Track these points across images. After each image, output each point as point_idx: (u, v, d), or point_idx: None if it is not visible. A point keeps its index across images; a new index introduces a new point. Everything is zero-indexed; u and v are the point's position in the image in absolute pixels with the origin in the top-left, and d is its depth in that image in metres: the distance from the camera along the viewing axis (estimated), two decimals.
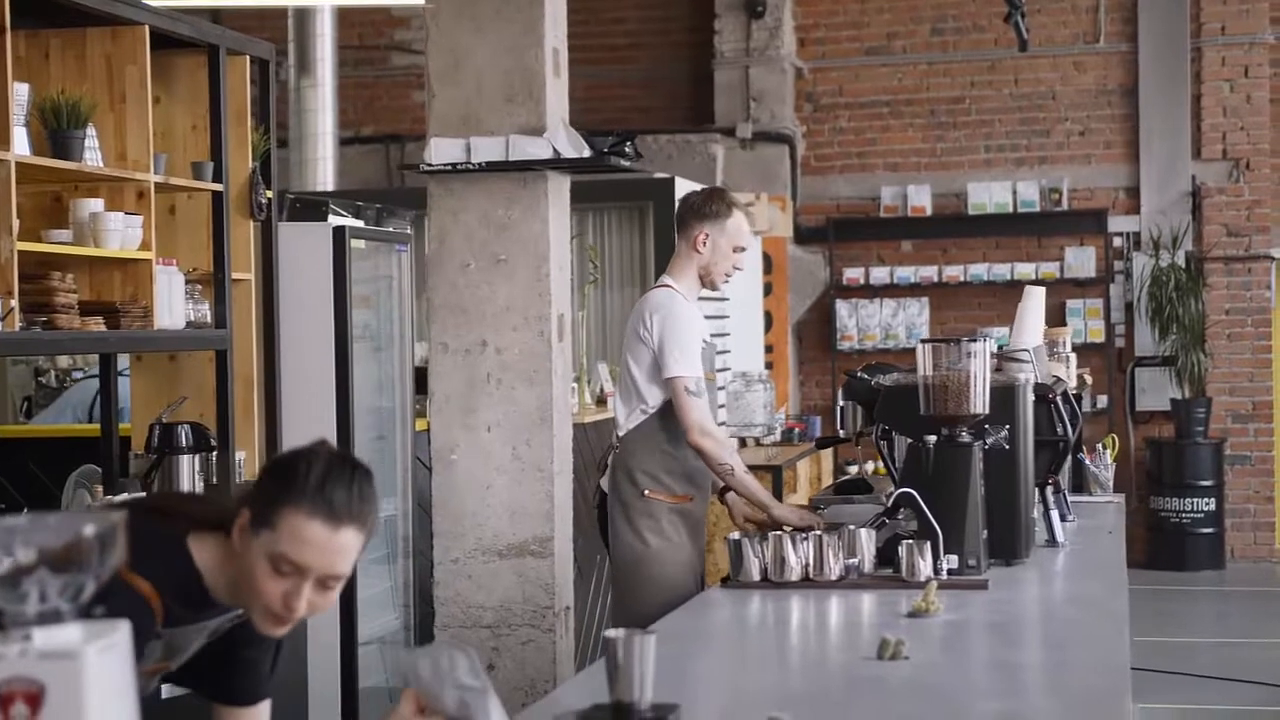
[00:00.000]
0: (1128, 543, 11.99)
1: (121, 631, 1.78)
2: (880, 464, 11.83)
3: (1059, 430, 5.00)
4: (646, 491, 5.22)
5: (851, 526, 4.36)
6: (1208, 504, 12.34)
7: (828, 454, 11.43)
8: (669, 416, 5.18)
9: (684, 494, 5.26)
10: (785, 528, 4.74)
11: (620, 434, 5.32)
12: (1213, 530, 12.38)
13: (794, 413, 12.48)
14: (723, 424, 9.83)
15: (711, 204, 5.35)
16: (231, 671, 2.90)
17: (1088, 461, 6.40)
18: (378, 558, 6.80)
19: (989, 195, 12.86)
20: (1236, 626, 10.60)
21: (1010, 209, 12.83)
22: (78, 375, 8.32)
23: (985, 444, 4.45)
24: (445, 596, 5.73)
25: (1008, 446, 4.52)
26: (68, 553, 1.76)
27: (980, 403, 4.38)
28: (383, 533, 6.90)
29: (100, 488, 5.50)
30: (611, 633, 2.73)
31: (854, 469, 12.00)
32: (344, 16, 12.58)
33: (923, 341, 4.47)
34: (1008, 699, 3.06)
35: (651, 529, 5.22)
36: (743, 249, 5.38)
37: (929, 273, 12.91)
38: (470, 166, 5.78)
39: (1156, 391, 12.67)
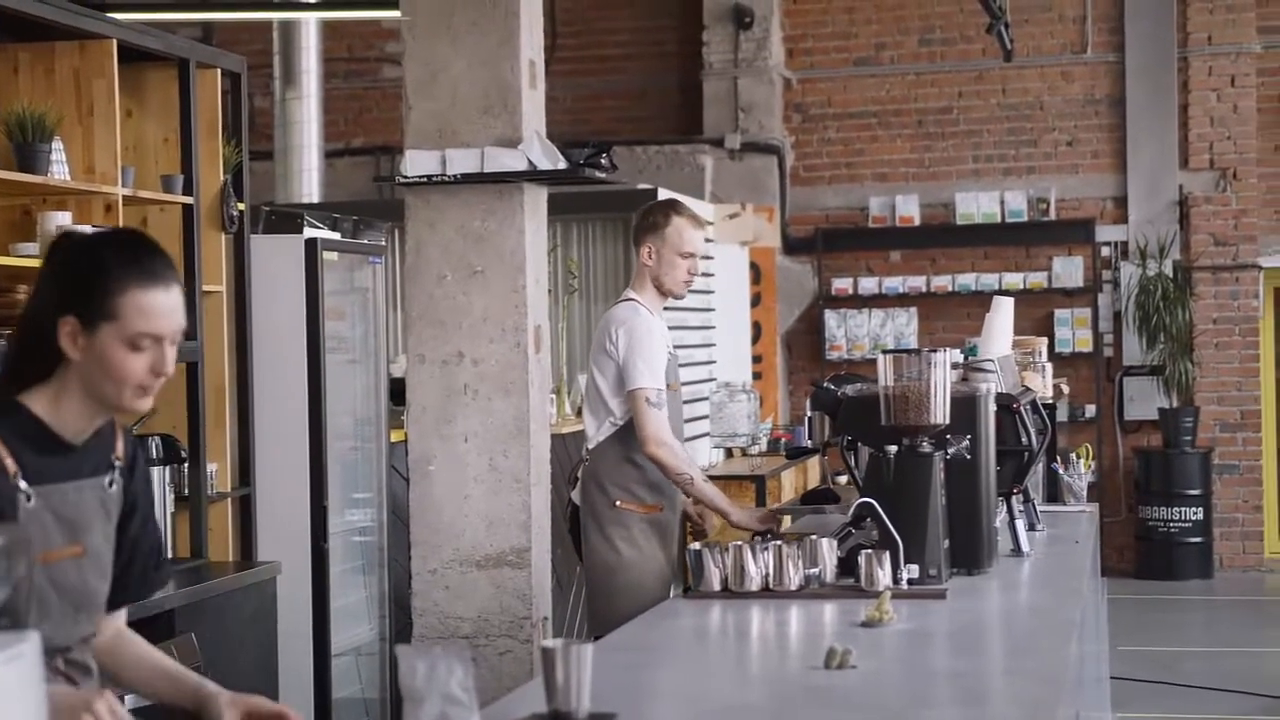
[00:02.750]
0: (1115, 552, 12.14)
1: (30, 643, 1.80)
2: None
3: (1024, 440, 5.01)
4: (618, 502, 5.31)
5: (813, 536, 4.37)
6: (1196, 513, 12.34)
7: (814, 464, 11.44)
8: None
9: (654, 504, 5.33)
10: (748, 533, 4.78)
11: (590, 446, 5.41)
12: (1201, 539, 12.38)
13: (783, 423, 12.48)
14: (705, 434, 9.88)
15: (650, 216, 5.44)
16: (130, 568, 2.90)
17: (1061, 471, 6.40)
18: (353, 568, 6.81)
19: (977, 205, 12.87)
20: (1224, 636, 10.60)
21: (998, 219, 12.85)
22: None
23: (946, 454, 4.46)
24: (422, 607, 5.74)
25: (969, 456, 4.53)
26: None
27: (941, 413, 4.39)
28: (359, 543, 6.91)
29: None
30: (548, 643, 2.75)
31: (843, 479, 11.98)
32: (334, 29, 12.61)
33: (884, 352, 4.49)
34: (945, 708, 3.08)
35: (624, 538, 5.28)
36: (690, 254, 5.41)
37: (917, 283, 12.92)
38: (446, 178, 5.80)
39: (1144, 401, 12.67)
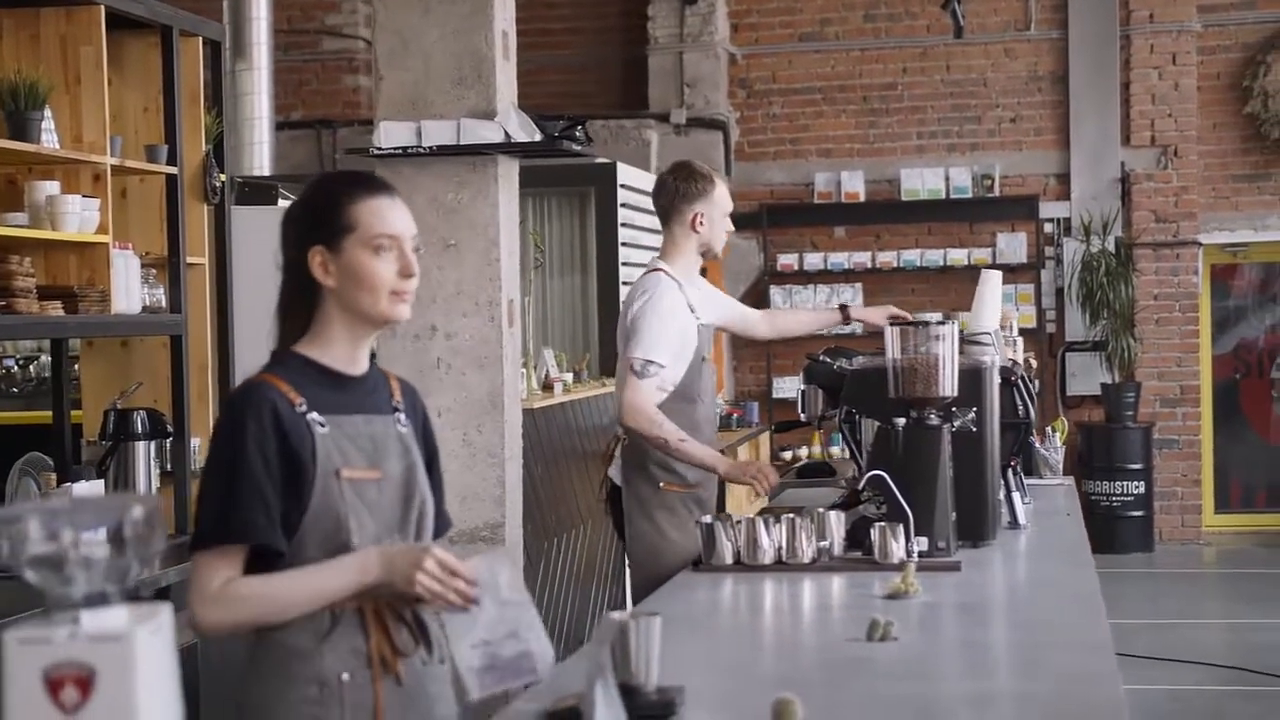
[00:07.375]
0: None
1: (165, 614, 1.76)
2: (820, 448, 11.89)
3: (1021, 412, 5.03)
4: (662, 484, 5.16)
5: (821, 509, 4.36)
6: (1137, 487, 12.48)
7: (764, 439, 11.48)
8: (675, 406, 5.12)
9: (696, 481, 5.19)
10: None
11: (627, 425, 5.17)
12: (1142, 513, 12.53)
13: (728, 398, 12.50)
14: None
15: (695, 183, 5.34)
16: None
17: (1037, 445, 6.45)
18: None
19: (922, 181, 12.93)
20: (1166, 608, 10.73)
21: (943, 195, 12.90)
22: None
23: (953, 426, 4.46)
24: None
25: (975, 429, 4.53)
26: (114, 535, 1.74)
27: (949, 385, 4.39)
28: None
29: (53, 475, 5.41)
30: (618, 615, 2.72)
31: (804, 452, 12.03)
32: (275, 0, 12.44)
33: (891, 324, 4.49)
34: (998, 679, 3.08)
35: (670, 522, 5.14)
36: (729, 210, 5.46)
37: (862, 259, 12.97)
38: (420, 150, 5.74)
39: (1087, 376, 12.80)
